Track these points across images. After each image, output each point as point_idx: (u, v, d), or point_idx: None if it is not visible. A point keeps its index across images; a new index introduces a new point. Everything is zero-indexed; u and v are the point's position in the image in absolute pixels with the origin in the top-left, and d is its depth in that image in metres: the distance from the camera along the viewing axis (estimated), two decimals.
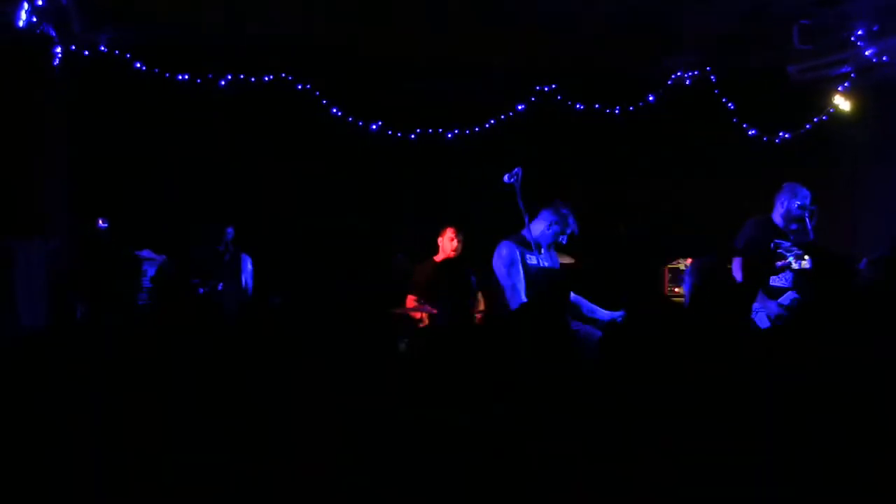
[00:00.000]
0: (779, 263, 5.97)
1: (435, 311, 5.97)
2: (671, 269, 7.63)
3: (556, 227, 5.65)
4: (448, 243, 7.11)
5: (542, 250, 5.62)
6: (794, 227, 6.06)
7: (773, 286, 5.94)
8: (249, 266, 6.35)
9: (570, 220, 5.67)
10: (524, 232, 5.67)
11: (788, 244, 6.02)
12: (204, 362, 2.83)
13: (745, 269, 6.07)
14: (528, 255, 5.55)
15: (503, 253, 5.52)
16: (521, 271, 5.48)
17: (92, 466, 2.51)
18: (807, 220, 6.09)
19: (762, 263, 5.96)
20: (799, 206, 6.03)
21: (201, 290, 5.63)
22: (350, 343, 2.92)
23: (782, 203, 6.09)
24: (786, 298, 5.84)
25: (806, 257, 5.85)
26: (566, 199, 5.79)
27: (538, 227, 5.65)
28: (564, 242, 5.73)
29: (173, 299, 3.84)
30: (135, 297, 3.47)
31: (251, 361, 2.90)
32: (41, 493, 2.47)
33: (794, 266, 5.84)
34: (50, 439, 2.52)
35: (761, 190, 6.51)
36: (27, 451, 2.50)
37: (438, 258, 7.16)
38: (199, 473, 2.50)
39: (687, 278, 5.11)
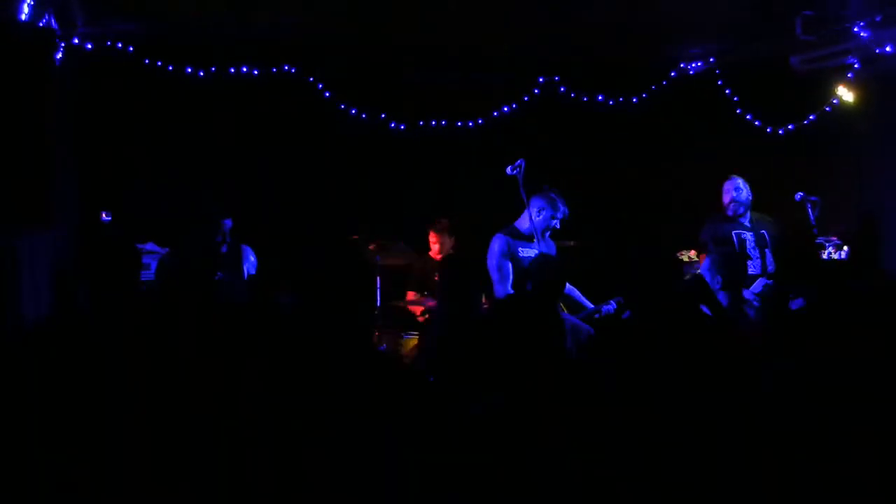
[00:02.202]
0: (824, 256, 6.05)
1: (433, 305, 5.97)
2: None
3: (546, 212, 5.64)
4: (432, 246, 7.11)
5: (537, 239, 5.62)
6: (741, 210, 6.41)
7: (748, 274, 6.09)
8: (252, 258, 6.35)
9: (560, 203, 5.67)
10: (517, 224, 5.68)
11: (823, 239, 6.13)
12: (203, 355, 2.84)
13: (719, 264, 6.18)
14: (521, 248, 5.56)
15: (494, 247, 5.55)
16: (510, 264, 5.49)
17: (94, 461, 2.53)
18: (809, 211, 6.11)
19: (733, 254, 6.13)
20: (735, 191, 6.42)
21: (219, 276, 5.59)
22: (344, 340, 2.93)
23: (725, 196, 6.49)
24: (757, 286, 5.93)
25: (845, 248, 5.94)
26: (560, 186, 5.80)
27: (530, 216, 5.65)
28: (558, 227, 5.73)
29: (172, 291, 3.85)
30: (136, 290, 3.49)
31: (253, 356, 2.91)
32: (44, 488, 2.49)
33: (832, 255, 5.91)
34: (50, 435, 2.54)
35: (765, 181, 6.49)
36: (28, 447, 2.52)
37: (433, 254, 7.16)
38: (200, 471, 2.51)
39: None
